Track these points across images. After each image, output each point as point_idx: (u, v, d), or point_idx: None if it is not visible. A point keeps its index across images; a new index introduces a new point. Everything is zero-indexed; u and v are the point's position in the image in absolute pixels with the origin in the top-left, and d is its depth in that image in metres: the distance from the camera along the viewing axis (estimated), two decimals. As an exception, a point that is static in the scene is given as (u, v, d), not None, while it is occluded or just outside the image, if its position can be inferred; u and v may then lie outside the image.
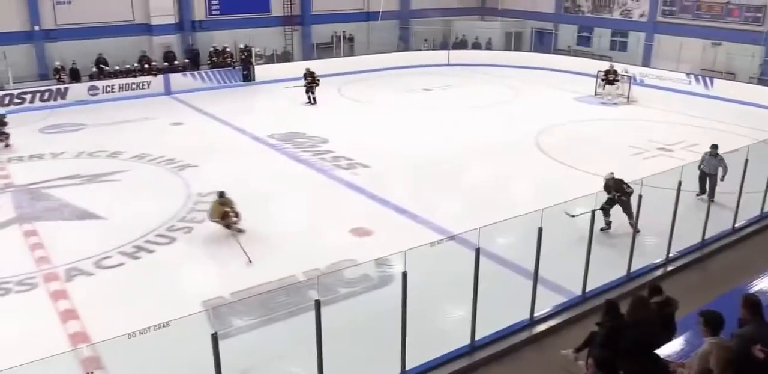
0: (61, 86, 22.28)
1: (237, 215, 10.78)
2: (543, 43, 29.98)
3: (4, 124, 16.78)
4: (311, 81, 20.96)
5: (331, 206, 12.21)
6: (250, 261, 9.82)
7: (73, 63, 22.87)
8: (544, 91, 23.54)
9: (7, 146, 16.56)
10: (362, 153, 15.16)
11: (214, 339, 5.71)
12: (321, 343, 6.25)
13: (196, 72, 24.49)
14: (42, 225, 11.58)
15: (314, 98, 21.12)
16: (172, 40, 25.15)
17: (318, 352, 6.28)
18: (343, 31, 28.69)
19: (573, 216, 9.24)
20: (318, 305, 6.15)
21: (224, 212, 10.72)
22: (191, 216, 11.73)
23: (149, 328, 6.96)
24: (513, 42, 30.08)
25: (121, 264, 9.96)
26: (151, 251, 10.36)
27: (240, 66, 25.00)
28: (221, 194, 10.96)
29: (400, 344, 6.79)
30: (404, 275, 6.53)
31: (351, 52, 28.81)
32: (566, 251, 9.38)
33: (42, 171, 14.57)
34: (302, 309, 7.91)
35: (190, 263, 10.21)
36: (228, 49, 25.47)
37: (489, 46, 30.29)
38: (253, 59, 25.23)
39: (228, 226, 10.72)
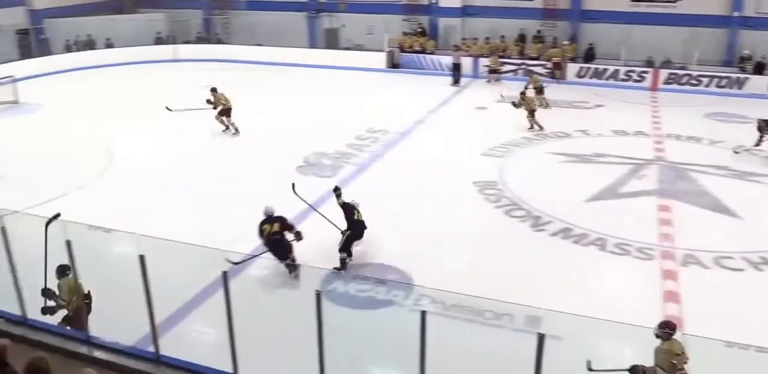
0: (741, 75, 21.77)
1: None
2: None
3: None
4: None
5: None
6: None
7: (763, 57, 21.88)
8: None
9: None
10: None
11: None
12: None
13: None
14: (676, 204, 11.90)
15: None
16: None
17: None
18: None
19: None
20: None
21: None
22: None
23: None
24: None
25: (740, 270, 9.46)
26: (778, 269, 9.50)
27: None
28: None
29: None
30: None
31: None
32: None
33: (694, 154, 14.78)
34: None
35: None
36: None
37: None
38: None
39: None
